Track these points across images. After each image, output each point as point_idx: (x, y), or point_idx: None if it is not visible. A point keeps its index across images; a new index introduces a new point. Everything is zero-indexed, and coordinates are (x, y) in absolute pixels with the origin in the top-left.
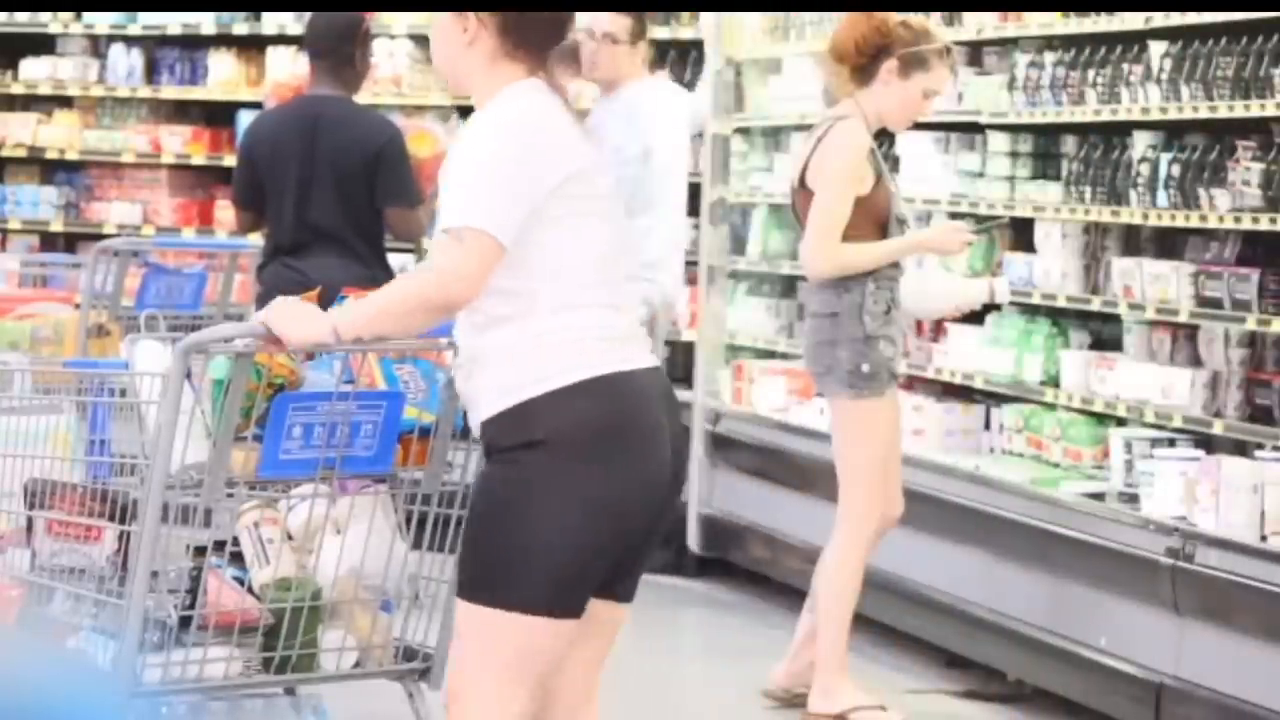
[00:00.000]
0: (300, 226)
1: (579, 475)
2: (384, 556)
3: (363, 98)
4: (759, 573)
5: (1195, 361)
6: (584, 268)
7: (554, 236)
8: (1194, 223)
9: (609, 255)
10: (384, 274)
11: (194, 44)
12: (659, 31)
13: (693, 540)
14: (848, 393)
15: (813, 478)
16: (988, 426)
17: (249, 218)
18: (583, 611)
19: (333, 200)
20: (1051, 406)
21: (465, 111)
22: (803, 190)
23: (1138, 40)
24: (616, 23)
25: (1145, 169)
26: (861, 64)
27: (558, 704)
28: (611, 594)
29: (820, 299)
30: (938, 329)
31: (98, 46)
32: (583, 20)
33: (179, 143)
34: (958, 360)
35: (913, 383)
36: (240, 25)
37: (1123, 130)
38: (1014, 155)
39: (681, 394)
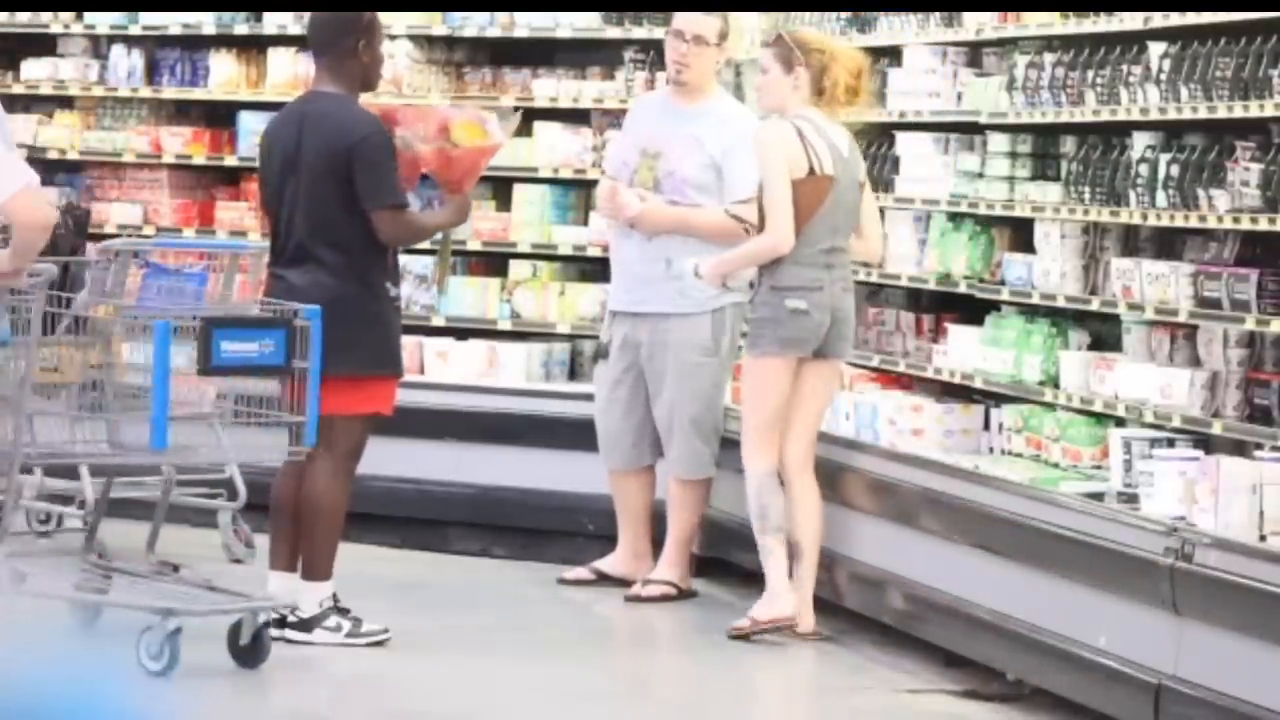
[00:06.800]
0: (287, 232)
1: None
2: None
3: (362, 99)
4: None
5: (1194, 362)
6: None
7: None
8: (1193, 223)
9: None
10: (357, 287)
11: (195, 44)
12: (657, 32)
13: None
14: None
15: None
16: (987, 426)
17: (270, 221)
18: None
19: (305, 205)
20: (1051, 406)
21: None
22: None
23: (1137, 41)
24: (706, 24)
25: (1144, 169)
26: None
27: None
28: None
29: (847, 275)
30: (937, 329)
31: (98, 47)
32: (673, 21)
33: (179, 143)
34: (957, 360)
35: (912, 382)
36: (241, 26)
37: (1122, 131)
38: (1013, 155)
39: None
